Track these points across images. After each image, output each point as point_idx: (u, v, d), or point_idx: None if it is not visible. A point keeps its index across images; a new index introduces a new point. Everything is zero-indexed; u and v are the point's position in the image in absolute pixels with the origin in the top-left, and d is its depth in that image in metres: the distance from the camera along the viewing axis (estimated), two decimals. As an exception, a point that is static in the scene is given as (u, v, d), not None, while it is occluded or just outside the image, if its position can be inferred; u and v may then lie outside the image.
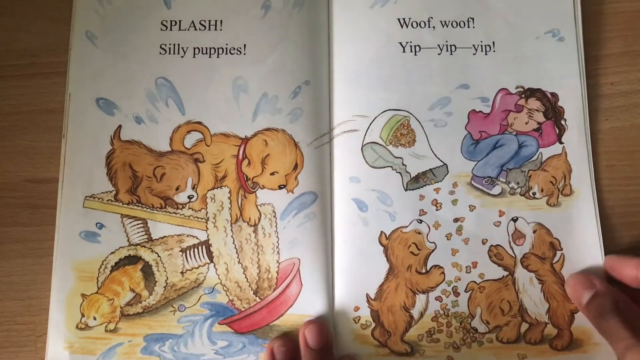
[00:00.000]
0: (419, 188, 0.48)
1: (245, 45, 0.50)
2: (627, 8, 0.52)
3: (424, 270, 0.47)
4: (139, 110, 0.48)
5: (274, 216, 0.47)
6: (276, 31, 0.50)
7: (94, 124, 0.48)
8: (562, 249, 0.47)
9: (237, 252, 0.47)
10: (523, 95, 0.50)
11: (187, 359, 0.45)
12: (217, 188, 0.48)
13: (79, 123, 0.48)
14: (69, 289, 0.46)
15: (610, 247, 0.47)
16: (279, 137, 0.48)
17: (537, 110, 0.49)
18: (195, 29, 0.50)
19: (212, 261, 0.47)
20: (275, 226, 0.47)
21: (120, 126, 0.48)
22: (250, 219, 0.47)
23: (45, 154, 0.49)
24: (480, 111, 0.49)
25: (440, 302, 0.47)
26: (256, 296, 0.46)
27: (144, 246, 0.47)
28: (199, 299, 0.46)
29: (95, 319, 0.45)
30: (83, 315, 0.45)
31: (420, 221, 0.47)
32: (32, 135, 0.50)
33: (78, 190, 0.47)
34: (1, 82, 0.51)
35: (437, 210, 0.48)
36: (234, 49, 0.50)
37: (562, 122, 0.49)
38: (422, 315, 0.46)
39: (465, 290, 0.47)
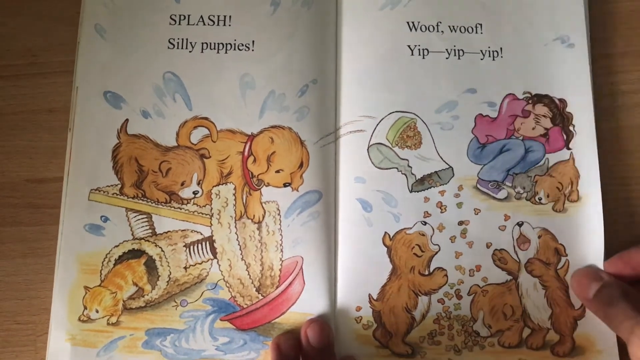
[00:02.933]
0: (424, 190, 0.48)
1: (253, 41, 0.50)
2: (628, 8, 0.52)
3: (427, 272, 0.47)
4: (146, 105, 0.48)
5: (278, 214, 0.47)
6: (285, 29, 0.50)
7: (100, 118, 0.48)
8: (566, 255, 0.47)
9: (240, 249, 0.47)
10: (530, 101, 0.49)
11: (188, 354, 0.45)
12: (222, 184, 0.48)
13: (85, 116, 0.48)
14: (72, 282, 0.46)
15: (611, 247, 0.47)
16: (285, 135, 0.48)
17: (544, 116, 0.49)
18: (204, 24, 0.50)
19: (215, 257, 0.47)
20: (279, 224, 0.47)
21: (127, 120, 0.48)
22: (254, 216, 0.47)
23: (45, 153, 0.49)
24: (487, 115, 0.49)
25: (443, 304, 0.47)
26: (259, 293, 0.46)
27: (148, 240, 0.47)
28: (202, 295, 0.46)
29: (97, 311, 0.45)
30: (85, 308, 0.45)
31: (425, 223, 0.47)
32: (32, 135, 0.50)
33: (83, 183, 0.47)
34: (1, 82, 0.51)
35: (441, 212, 0.48)
36: (242, 45, 0.50)
37: (571, 128, 0.49)
38: (424, 317, 0.46)
39: (468, 294, 0.47)
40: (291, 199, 0.47)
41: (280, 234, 0.47)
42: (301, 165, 0.48)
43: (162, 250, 0.47)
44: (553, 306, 0.46)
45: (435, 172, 0.48)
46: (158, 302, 0.46)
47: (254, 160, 0.48)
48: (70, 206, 0.47)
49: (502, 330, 0.46)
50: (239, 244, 0.47)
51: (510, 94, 0.49)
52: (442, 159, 0.48)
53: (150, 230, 0.47)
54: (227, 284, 0.46)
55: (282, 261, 0.47)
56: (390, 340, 0.46)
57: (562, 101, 0.49)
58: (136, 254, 0.46)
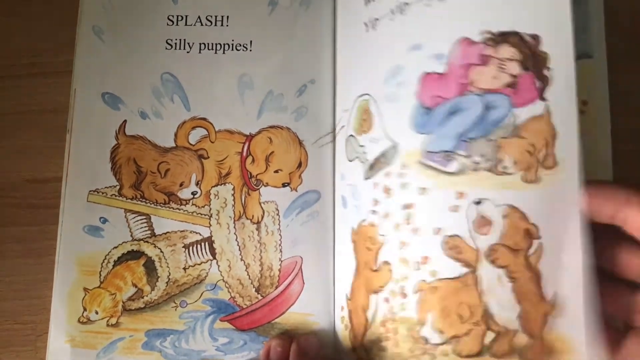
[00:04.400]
0: (373, 175, 0.41)
1: (251, 41, 0.50)
2: (628, 8, 0.50)
3: (375, 267, 0.41)
4: (144, 106, 0.48)
5: (277, 214, 0.47)
6: (282, 29, 0.50)
7: (99, 119, 0.48)
8: (540, 238, 0.36)
9: (239, 250, 0.47)
10: (491, 42, 0.37)
11: (188, 355, 0.45)
12: (220, 185, 0.48)
13: (84, 118, 0.48)
14: (72, 283, 0.46)
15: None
16: (284, 135, 0.48)
17: (510, 59, 0.37)
18: (202, 25, 0.50)
19: (214, 258, 0.47)
20: (279, 224, 0.47)
21: (125, 121, 0.48)
22: (253, 216, 0.47)
23: (45, 153, 0.49)
24: (435, 72, 0.39)
25: (388, 304, 0.39)
26: (258, 294, 0.46)
27: (147, 241, 0.47)
28: (201, 295, 0.46)
29: (97, 313, 0.46)
30: (85, 309, 0.45)
31: (374, 212, 0.41)
32: (32, 135, 0.50)
33: (82, 184, 0.47)
34: (1, 82, 0.51)
35: (387, 197, 0.40)
36: (240, 45, 0.50)
37: (545, 72, 0.36)
38: (373, 319, 0.40)
39: (415, 291, 0.38)
40: (290, 199, 0.47)
41: (279, 234, 0.47)
42: (300, 165, 0.48)
43: (161, 251, 0.47)
44: (522, 302, 0.36)
45: (382, 152, 0.41)
46: (157, 303, 0.46)
47: (253, 161, 0.48)
48: (69, 208, 0.47)
49: (458, 336, 0.37)
50: (238, 245, 0.47)
51: (464, 38, 0.38)
52: (387, 136, 0.41)
53: (149, 231, 0.47)
54: (227, 285, 0.46)
55: (282, 261, 0.47)
56: (356, 343, 0.42)
57: (535, 38, 0.36)
58: (135, 255, 0.46)
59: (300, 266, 0.46)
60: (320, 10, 0.50)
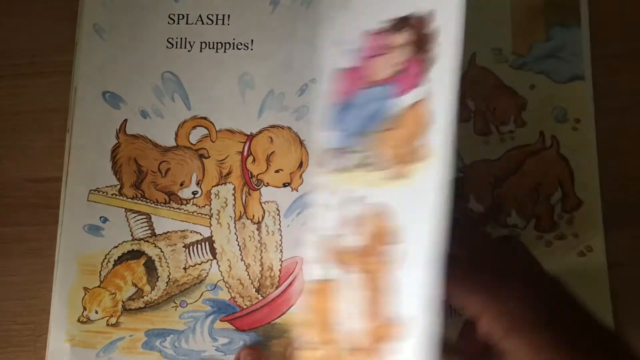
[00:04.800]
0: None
1: (252, 40, 0.49)
2: (628, 8, 0.51)
3: None
4: (145, 105, 0.48)
5: (278, 214, 0.47)
6: (284, 27, 0.49)
7: (99, 118, 0.48)
8: (401, 242, 0.30)
9: (240, 250, 0.47)
10: (390, 30, 0.34)
11: (188, 355, 0.45)
12: (221, 184, 0.47)
13: (84, 116, 0.48)
14: (72, 283, 0.46)
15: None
16: (285, 135, 0.48)
17: (405, 44, 0.32)
18: (203, 23, 0.50)
19: (215, 258, 0.47)
20: (279, 224, 0.47)
21: (126, 120, 0.48)
22: (254, 216, 0.47)
23: (45, 153, 0.49)
24: (346, 69, 0.37)
25: None
26: (258, 294, 0.46)
27: (148, 241, 0.47)
28: (201, 296, 0.46)
29: (97, 312, 0.45)
30: (85, 309, 0.45)
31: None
32: (32, 135, 0.50)
33: (83, 183, 0.47)
34: (1, 82, 0.51)
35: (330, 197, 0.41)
36: (241, 44, 0.49)
37: (433, 50, 0.30)
38: None
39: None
40: (291, 199, 0.47)
41: (280, 235, 0.47)
42: (301, 165, 0.48)
43: (162, 251, 0.46)
44: (363, 317, 0.31)
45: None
46: (157, 303, 0.46)
47: (253, 160, 0.48)
48: (70, 207, 0.47)
49: (324, 343, 0.36)
50: (238, 245, 0.47)
51: (366, 30, 0.35)
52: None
53: (149, 231, 0.47)
54: (227, 285, 0.46)
55: (282, 262, 0.46)
56: None
57: (431, 15, 0.30)
58: (135, 254, 0.46)
59: (301, 266, 0.46)
60: (320, 8, 0.50)
